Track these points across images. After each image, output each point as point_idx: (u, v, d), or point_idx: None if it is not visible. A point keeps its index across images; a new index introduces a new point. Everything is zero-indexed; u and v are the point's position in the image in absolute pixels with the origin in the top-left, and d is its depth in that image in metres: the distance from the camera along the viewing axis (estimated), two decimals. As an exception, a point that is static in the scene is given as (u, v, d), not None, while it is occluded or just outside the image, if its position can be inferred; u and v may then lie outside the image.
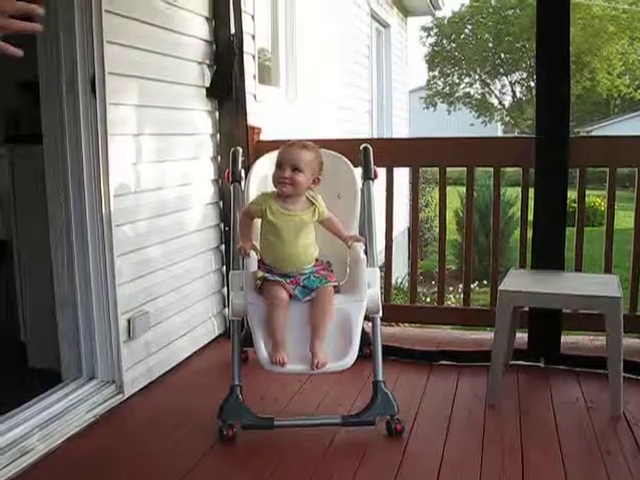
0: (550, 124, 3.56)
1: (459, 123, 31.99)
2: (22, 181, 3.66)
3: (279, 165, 2.79)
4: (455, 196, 9.74)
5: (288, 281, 2.78)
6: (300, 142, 2.86)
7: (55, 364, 3.32)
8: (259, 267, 2.86)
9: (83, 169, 3.10)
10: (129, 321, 3.31)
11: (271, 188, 3.11)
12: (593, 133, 24.50)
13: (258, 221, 2.92)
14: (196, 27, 3.92)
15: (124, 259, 3.26)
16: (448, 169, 4.06)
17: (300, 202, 2.84)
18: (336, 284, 2.83)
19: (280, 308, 2.73)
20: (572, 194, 3.61)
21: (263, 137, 4.22)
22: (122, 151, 3.25)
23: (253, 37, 4.83)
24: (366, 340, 2.98)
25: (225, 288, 4.20)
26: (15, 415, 2.85)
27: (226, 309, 4.19)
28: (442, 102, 33.94)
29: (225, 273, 4.17)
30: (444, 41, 34.26)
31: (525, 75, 33.34)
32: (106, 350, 3.24)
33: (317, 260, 2.90)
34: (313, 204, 2.84)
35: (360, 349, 2.76)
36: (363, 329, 2.83)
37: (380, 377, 2.88)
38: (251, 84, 4.63)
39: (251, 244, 2.84)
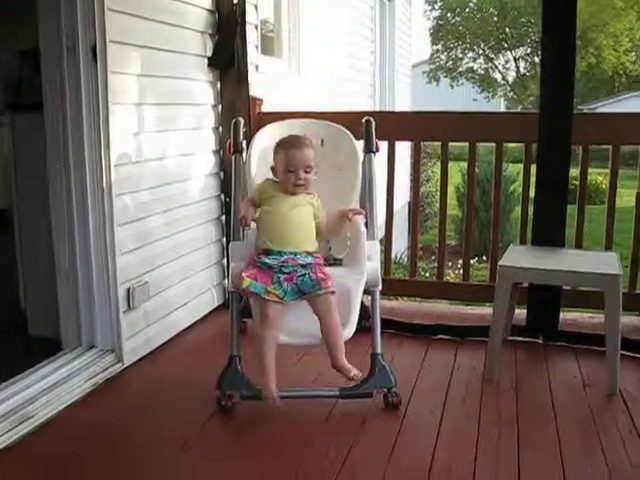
0: (554, 100, 3.54)
1: (462, 98, 31.81)
2: (23, 150, 3.65)
3: (291, 170, 2.73)
4: (456, 171, 9.71)
5: (282, 278, 2.67)
6: (299, 138, 2.82)
7: (55, 333, 3.34)
8: (249, 264, 2.73)
9: (84, 138, 3.09)
10: (128, 291, 3.32)
11: (271, 160, 3.12)
12: (597, 111, 24.36)
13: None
14: (198, -5, 3.89)
15: (124, 229, 3.26)
16: (450, 145, 4.05)
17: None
18: (333, 291, 2.69)
19: (273, 328, 2.65)
20: (574, 171, 3.60)
21: (265, 108, 4.20)
22: (123, 120, 3.24)
23: (256, 7, 4.78)
24: (365, 313, 2.99)
25: (225, 259, 4.21)
26: (16, 382, 2.88)
27: (226, 280, 4.20)
28: (445, 77, 33.68)
29: (225, 244, 4.17)
30: (448, 15, 33.94)
31: (529, 50, 33.03)
32: (105, 319, 3.25)
33: (317, 256, 2.78)
34: (309, 193, 2.83)
35: (359, 322, 2.77)
36: (362, 302, 2.84)
37: (379, 350, 2.90)
38: (253, 55, 4.60)
39: (253, 215, 2.81)
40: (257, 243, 2.79)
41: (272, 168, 2.83)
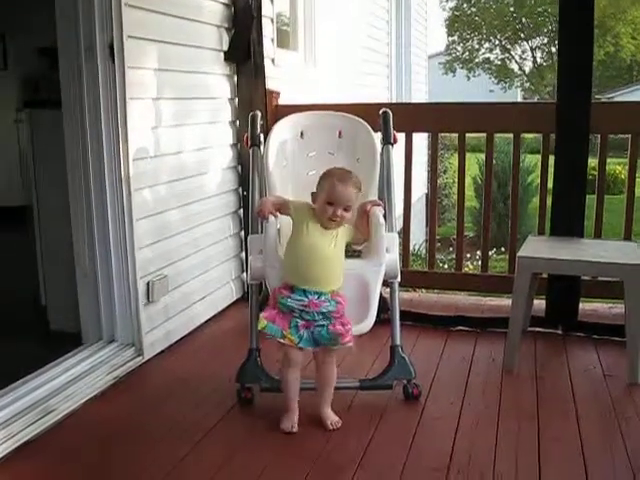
0: (571, 89, 3.52)
1: (478, 89, 31.57)
2: (42, 147, 3.67)
3: (331, 203, 2.61)
4: (473, 163, 9.69)
5: (300, 323, 2.60)
6: (348, 175, 2.68)
7: (75, 327, 3.36)
8: (270, 300, 2.70)
9: (102, 133, 3.11)
10: (148, 284, 3.34)
11: (290, 154, 3.12)
12: (615, 100, 24.12)
13: (285, 226, 2.83)
14: (214, -10, 3.90)
15: (143, 223, 3.28)
16: (466, 135, 4.03)
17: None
18: (350, 345, 2.62)
19: (294, 370, 2.67)
20: (592, 162, 3.57)
21: (281, 101, 4.21)
22: (141, 115, 3.25)
23: (271, 0, 4.78)
24: (384, 305, 2.99)
25: (243, 252, 4.22)
26: (37, 377, 2.91)
27: (244, 273, 4.21)
28: (461, 68, 33.49)
29: (243, 237, 4.18)
30: (464, 5, 33.73)
31: (546, 40, 32.77)
32: (125, 313, 3.27)
33: (340, 301, 2.65)
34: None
35: (378, 314, 2.77)
36: (381, 294, 2.83)
37: (398, 342, 2.90)
38: (269, 48, 4.60)
39: (270, 209, 2.74)
40: (283, 273, 2.70)
41: (313, 194, 2.71)
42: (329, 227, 2.65)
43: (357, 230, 2.76)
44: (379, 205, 2.84)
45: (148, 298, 3.35)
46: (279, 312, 2.64)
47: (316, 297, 2.60)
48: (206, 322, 3.87)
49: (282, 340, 2.61)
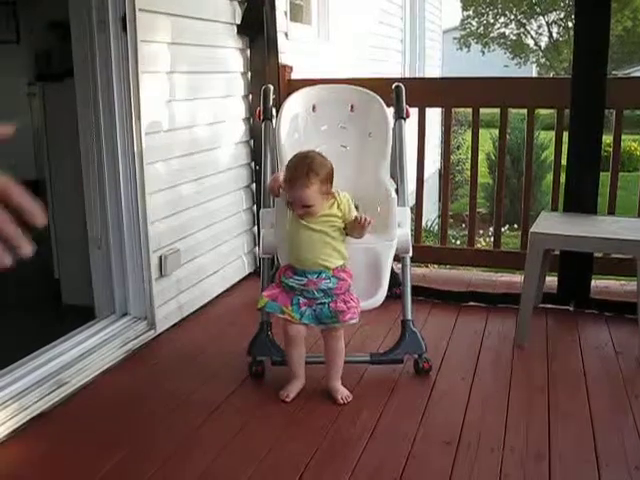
0: (587, 64, 3.48)
1: (493, 65, 31.28)
2: (54, 120, 3.67)
3: (290, 201, 2.59)
4: (487, 139, 9.62)
5: (301, 301, 2.60)
6: (300, 177, 2.49)
7: (88, 301, 3.38)
8: (274, 279, 2.74)
9: (115, 107, 3.10)
10: (161, 258, 3.35)
11: (302, 127, 3.11)
12: (632, 75, 23.82)
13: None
14: (227, -38, 3.86)
15: (156, 197, 3.28)
16: (480, 111, 4.00)
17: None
18: (353, 322, 2.61)
19: (296, 345, 2.68)
20: (607, 138, 3.54)
21: (294, 76, 4.19)
22: (153, 89, 3.24)
23: (285, -27, 4.74)
24: (396, 281, 2.99)
25: (255, 227, 4.23)
26: (51, 350, 2.93)
27: (256, 247, 4.22)
28: (476, 43, 33.18)
29: (256, 212, 4.19)
30: (480, -21, 33.36)
31: (563, 15, 32.39)
32: (138, 287, 3.29)
33: (343, 277, 2.63)
34: (334, 198, 2.59)
35: (390, 289, 2.77)
36: (393, 270, 2.83)
37: (409, 316, 2.91)
38: (282, 22, 4.57)
39: (282, 184, 2.69)
40: (287, 253, 2.71)
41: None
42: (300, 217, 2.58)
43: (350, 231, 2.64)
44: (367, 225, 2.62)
45: (161, 272, 3.36)
46: (282, 290, 2.65)
47: (316, 276, 2.60)
48: (218, 296, 3.88)
49: (282, 315, 2.63)
